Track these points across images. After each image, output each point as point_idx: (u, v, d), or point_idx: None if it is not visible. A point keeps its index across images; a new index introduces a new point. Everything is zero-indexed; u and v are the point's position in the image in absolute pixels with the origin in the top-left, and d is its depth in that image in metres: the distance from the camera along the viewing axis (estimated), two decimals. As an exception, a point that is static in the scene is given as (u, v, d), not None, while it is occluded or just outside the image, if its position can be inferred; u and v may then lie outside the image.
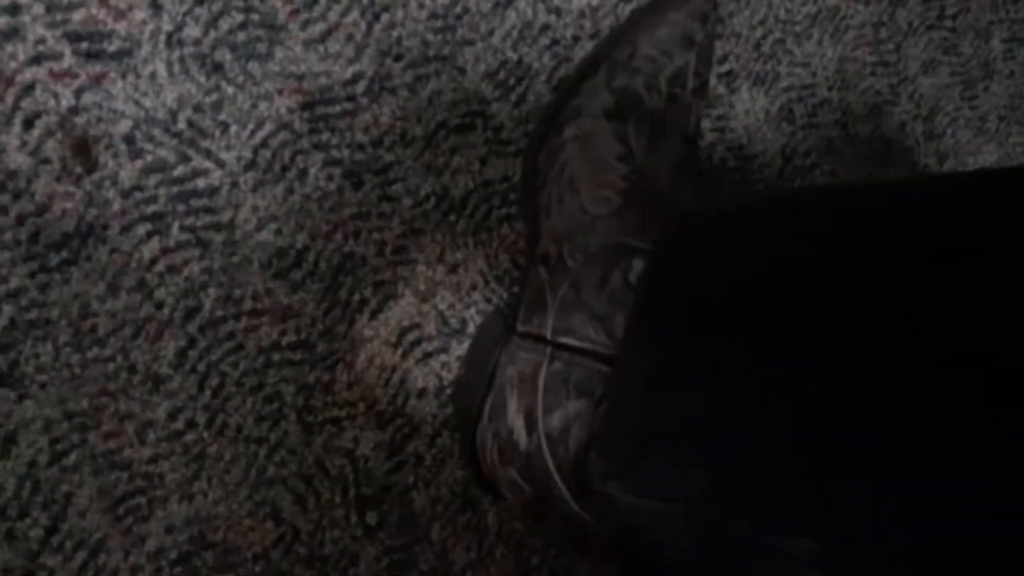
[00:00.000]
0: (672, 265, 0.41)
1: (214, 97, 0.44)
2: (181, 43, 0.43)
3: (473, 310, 0.52)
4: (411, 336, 0.51)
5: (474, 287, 0.52)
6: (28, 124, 0.40)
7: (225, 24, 0.44)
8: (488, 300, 0.52)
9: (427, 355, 0.51)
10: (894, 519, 0.30)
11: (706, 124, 0.59)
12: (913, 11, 0.67)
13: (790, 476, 0.33)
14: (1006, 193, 0.32)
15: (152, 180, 0.43)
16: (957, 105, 0.71)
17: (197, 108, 0.44)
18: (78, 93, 0.41)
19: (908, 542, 0.29)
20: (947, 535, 0.28)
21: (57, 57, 0.41)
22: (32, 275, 0.41)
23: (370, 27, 0.47)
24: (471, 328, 0.52)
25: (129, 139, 0.42)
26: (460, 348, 0.52)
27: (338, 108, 0.47)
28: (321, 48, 0.46)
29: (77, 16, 0.41)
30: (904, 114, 0.68)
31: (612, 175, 0.45)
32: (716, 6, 0.50)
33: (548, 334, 0.44)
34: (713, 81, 0.59)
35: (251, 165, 0.45)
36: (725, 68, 0.59)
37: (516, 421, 0.44)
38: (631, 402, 0.39)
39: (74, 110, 0.41)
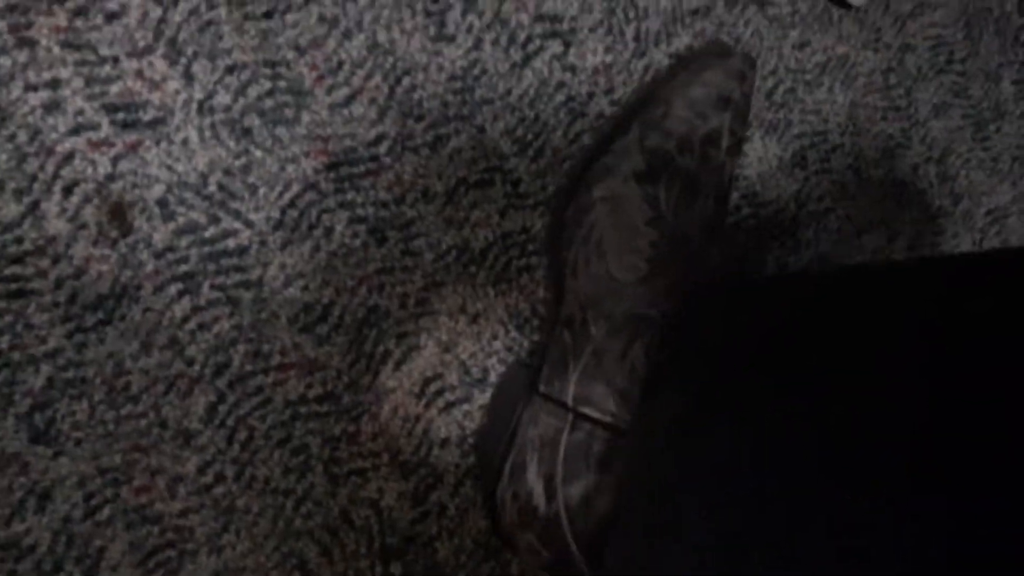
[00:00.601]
0: (690, 331, 0.41)
1: (243, 161, 0.46)
2: (212, 110, 0.45)
3: (495, 359, 0.53)
4: (434, 386, 0.51)
5: (495, 336, 0.53)
6: (67, 191, 0.42)
7: (254, 91, 0.45)
8: (509, 349, 0.53)
9: (450, 405, 0.52)
10: (918, 537, 0.29)
11: (720, 172, 0.60)
12: (922, 56, 0.68)
13: (815, 500, 0.33)
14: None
15: (184, 241, 0.45)
16: (970, 147, 0.72)
17: (227, 172, 0.45)
18: (115, 161, 0.43)
19: (933, 560, 0.29)
20: (972, 554, 0.28)
21: (95, 127, 0.42)
22: (69, 335, 0.43)
23: (392, 90, 0.49)
24: (493, 377, 0.53)
25: (162, 203, 0.44)
26: (482, 397, 0.53)
27: (362, 168, 0.48)
28: (345, 111, 0.48)
29: (114, 88, 0.43)
30: (917, 157, 0.69)
31: (641, 241, 0.44)
32: (754, 65, 0.49)
33: (569, 401, 0.44)
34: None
35: (279, 225, 0.47)
36: (737, 117, 0.60)
37: (536, 486, 0.43)
38: (645, 484, 0.39)
39: (111, 177, 0.43)
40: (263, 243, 0.46)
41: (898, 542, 0.29)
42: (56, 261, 0.42)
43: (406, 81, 0.49)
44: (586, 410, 0.43)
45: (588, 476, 0.41)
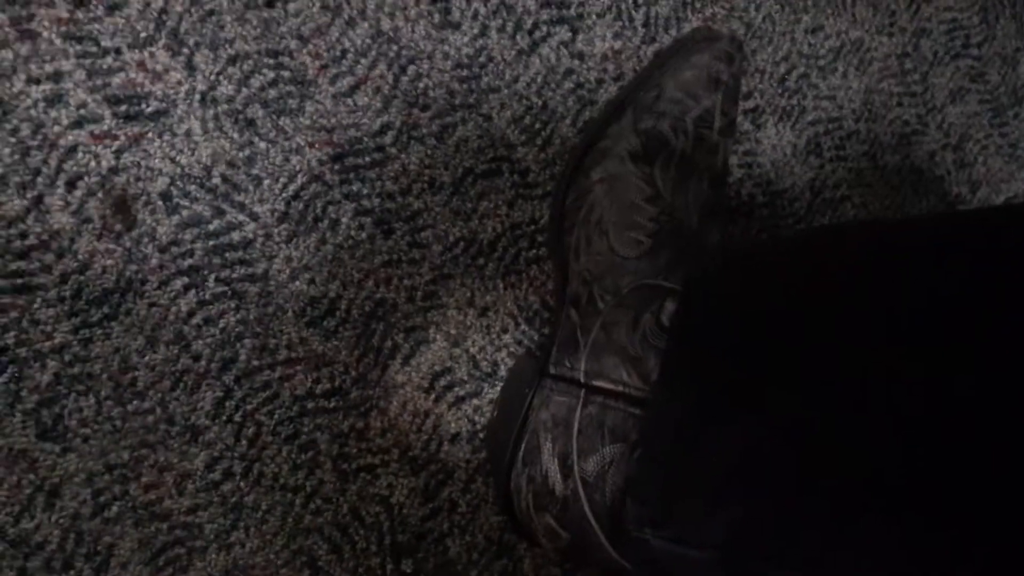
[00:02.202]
0: (702, 305, 0.41)
1: (247, 152, 0.45)
2: (215, 101, 0.44)
3: (504, 353, 0.52)
4: (443, 381, 0.51)
5: (505, 330, 0.52)
6: (71, 185, 0.42)
7: (257, 81, 0.45)
8: (519, 342, 0.53)
9: (459, 399, 0.51)
10: (915, 557, 0.29)
11: (733, 160, 0.59)
12: (938, 41, 0.67)
13: (815, 515, 0.33)
14: None
15: (188, 235, 0.44)
16: (987, 133, 0.70)
17: (231, 163, 0.45)
18: (118, 154, 0.43)
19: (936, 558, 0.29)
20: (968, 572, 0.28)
21: (98, 120, 0.42)
22: (75, 331, 0.42)
23: (397, 79, 0.48)
24: (503, 371, 0.52)
25: (166, 196, 0.44)
26: (492, 391, 0.52)
27: (368, 159, 0.48)
28: (350, 101, 0.47)
29: (116, 80, 0.42)
30: (933, 143, 0.68)
31: (641, 217, 0.45)
32: (741, 46, 0.50)
33: (581, 377, 0.44)
34: (739, 117, 0.59)
35: (284, 217, 0.46)
36: (751, 104, 0.59)
37: (551, 466, 0.43)
38: (665, 447, 0.39)
39: (114, 170, 0.43)
40: (268, 236, 0.46)
41: (896, 564, 0.30)
42: (61, 256, 0.42)
43: (411, 70, 0.48)
44: (598, 382, 0.43)
45: (603, 449, 0.41)
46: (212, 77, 0.44)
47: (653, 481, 0.39)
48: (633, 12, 0.53)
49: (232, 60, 0.44)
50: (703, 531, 0.36)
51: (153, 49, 0.43)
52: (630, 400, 0.41)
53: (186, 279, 0.44)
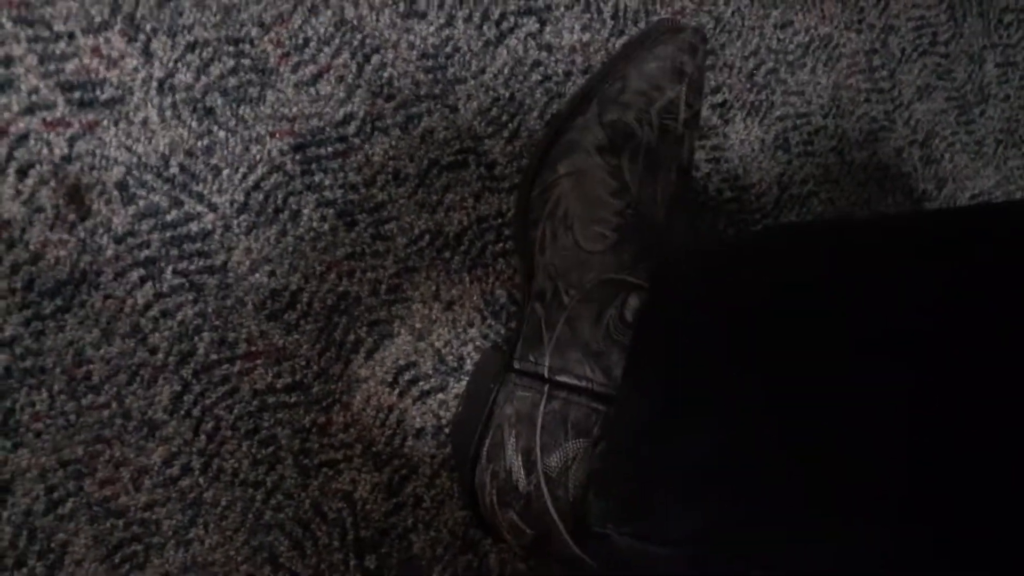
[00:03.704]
0: (668, 301, 0.41)
1: (206, 141, 0.44)
2: (173, 89, 0.43)
3: (470, 347, 0.52)
4: (408, 375, 0.50)
5: (471, 323, 0.52)
6: (22, 174, 0.41)
7: (216, 69, 0.44)
8: (485, 336, 0.52)
9: (424, 394, 0.51)
10: (904, 565, 0.29)
11: (701, 155, 0.59)
12: (905, 38, 0.67)
13: (798, 522, 0.33)
14: (1011, 223, 0.32)
15: (145, 225, 0.43)
16: (954, 130, 0.71)
17: (189, 153, 0.44)
18: (71, 142, 0.41)
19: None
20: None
21: (50, 107, 0.41)
22: (27, 323, 0.41)
23: (360, 68, 0.47)
24: (468, 365, 0.52)
25: (122, 185, 0.43)
26: (458, 386, 0.51)
27: (330, 149, 0.47)
28: (312, 90, 0.46)
29: (70, 66, 0.41)
30: (900, 140, 0.68)
31: (606, 211, 0.45)
32: (705, 38, 0.50)
33: (545, 372, 0.43)
34: (707, 112, 0.59)
35: (244, 208, 0.45)
36: (719, 99, 0.59)
37: (514, 461, 0.43)
38: (629, 443, 0.39)
39: (67, 158, 0.41)
40: (227, 227, 0.45)
41: (885, 569, 0.30)
42: (12, 246, 0.41)
43: (375, 59, 0.47)
44: (562, 378, 0.42)
45: (566, 444, 0.41)
46: (170, 64, 0.43)
47: (617, 477, 0.39)
48: (602, 4, 0.53)
49: (191, 47, 0.43)
50: (668, 528, 0.36)
51: (108, 34, 0.42)
52: (593, 395, 0.41)
53: (142, 271, 0.43)
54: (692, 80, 0.48)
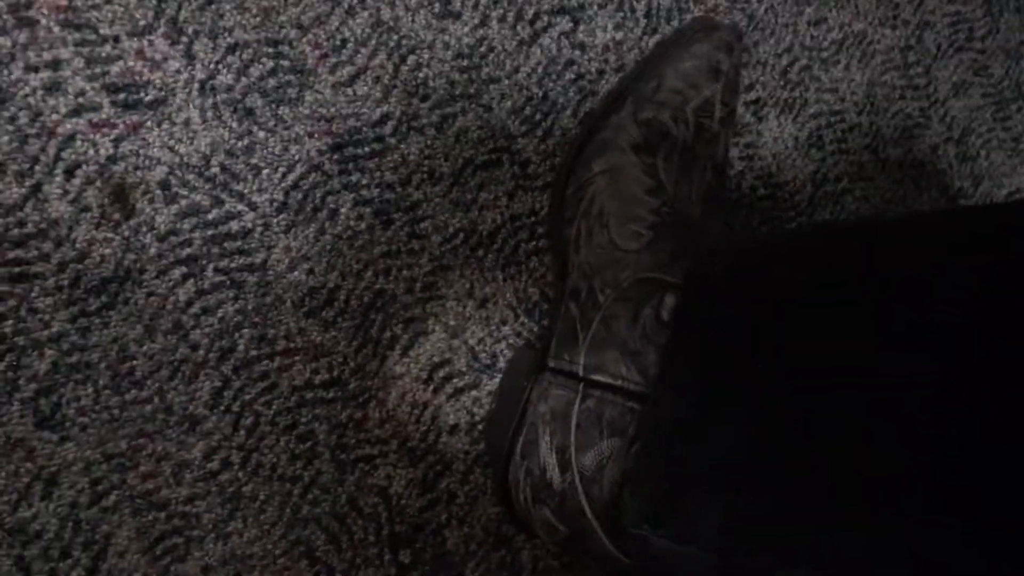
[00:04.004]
0: (703, 300, 0.41)
1: (246, 141, 0.45)
2: (214, 90, 0.44)
3: (503, 344, 0.52)
4: (442, 372, 0.51)
5: (504, 321, 0.52)
6: (69, 174, 0.42)
7: (256, 71, 0.45)
8: (518, 334, 0.52)
9: (458, 391, 0.51)
10: (931, 557, 0.29)
11: (735, 153, 0.58)
12: (941, 34, 0.67)
13: (823, 514, 0.33)
14: None
15: (187, 224, 0.44)
16: (990, 127, 0.70)
17: (230, 153, 0.45)
18: (116, 142, 0.42)
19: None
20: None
21: (96, 108, 0.42)
22: (73, 320, 0.42)
23: (397, 69, 0.48)
24: (502, 363, 0.52)
25: (165, 185, 0.43)
26: (491, 383, 0.52)
27: (367, 149, 0.47)
28: (349, 91, 0.47)
29: (115, 68, 0.42)
30: (936, 137, 0.67)
31: (642, 209, 0.44)
32: (741, 36, 0.49)
33: (580, 371, 0.43)
34: (741, 109, 0.58)
35: (283, 207, 0.46)
36: (753, 96, 0.59)
37: (549, 459, 0.43)
38: (664, 443, 0.39)
39: (112, 159, 0.42)
40: (267, 226, 0.46)
41: (911, 561, 0.29)
42: (59, 244, 0.42)
43: (411, 59, 0.48)
44: (597, 376, 0.42)
45: (601, 443, 0.41)
46: (211, 66, 0.44)
47: (652, 476, 0.39)
48: (635, 2, 0.53)
49: (231, 49, 0.44)
50: (702, 528, 0.36)
51: (152, 37, 0.43)
52: (629, 395, 0.41)
53: (184, 268, 0.44)
54: (728, 78, 0.48)
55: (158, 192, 0.43)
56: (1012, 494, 0.27)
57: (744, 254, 0.44)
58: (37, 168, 0.41)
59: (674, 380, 0.40)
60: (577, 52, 0.52)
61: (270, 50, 0.45)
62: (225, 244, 0.45)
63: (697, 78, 0.47)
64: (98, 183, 0.42)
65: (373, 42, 0.47)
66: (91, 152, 0.42)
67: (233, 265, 0.45)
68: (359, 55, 0.47)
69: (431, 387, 0.50)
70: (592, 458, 0.41)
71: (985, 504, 0.28)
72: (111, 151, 0.42)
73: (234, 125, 0.45)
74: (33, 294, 0.41)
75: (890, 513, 0.30)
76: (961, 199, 0.70)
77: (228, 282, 0.45)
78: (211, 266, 0.45)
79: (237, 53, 0.44)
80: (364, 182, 0.48)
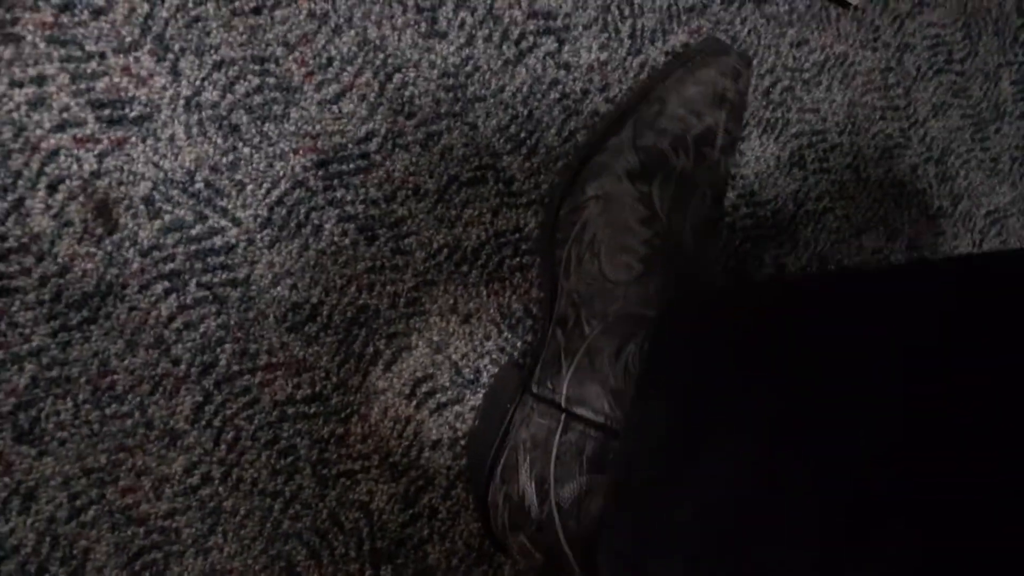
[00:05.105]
0: (668, 342, 0.40)
1: (231, 157, 0.45)
2: (199, 107, 0.44)
3: (487, 360, 0.52)
4: (425, 387, 0.51)
5: (487, 337, 0.52)
6: (52, 188, 0.42)
7: (242, 88, 0.45)
8: (502, 350, 0.53)
9: (441, 406, 0.51)
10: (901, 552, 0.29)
11: (716, 172, 0.59)
12: (921, 56, 0.68)
13: (807, 506, 0.32)
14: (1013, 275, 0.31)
15: (170, 239, 0.44)
16: (969, 147, 0.71)
17: (214, 168, 0.45)
18: (100, 157, 0.42)
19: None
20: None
21: (80, 124, 0.42)
22: (54, 334, 0.42)
23: (383, 87, 0.48)
24: (485, 378, 0.52)
25: (148, 200, 0.44)
26: (474, 399, 0.52)
27: (352, 165, 0.48)
28: (335, 108, 0.47)
29: (100, 84, 0.42)
30: (916, 157, 0.68)
31: (634, 240, 0.44)
32: (750, 63, 0.48)
33: (562, 401, 0.43)
34: (722, 129, 0.59)
35: (267, 223, 0.46)
36: (734, 116, 0.60)
37: (528, 487, 0.43)
38: (633, 494, 0.38)
39: (96, 174, 0.42)
40: (250, 241, 0.46)
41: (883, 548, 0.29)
42: (41, 259, 0.42)
43: (397, 78, 0.48)
44: (579, 410, 0.42)
45: (580, 477, 0.41)
46: (197, 83, 0.44)
47: (624, 531, 0.38)
48: (619, 24, 0.54)
49: (217, 66, 0.44)
50: None
51: (138, 54, 0.43)
52: (610, 433, 0.41)
53: (167, 283, 0.44)
54: (734, 107, 0.47)
55: (142, 207, 0.43)
56: (1012, 513, 0.27)
57: (707, 297, 0.43)
58: (20, 183, 0.41)
59: (640, 425, 0.39)
60: (562, 72, 0.53)
61: (256, 67, 0.45)
62: (208, 259, 0.45)
63: (700, 105, 0.46)
64: (81, 198, 0.42)
65: (359, 60, 0.47)
66: (75, 167, 0.42)
67: (216, 280, 0.45)
68: (345, 73, 0.47)
69: (414, 402, 0.51)
70: (570, 491, 0.41)
71: (973, 522, 0.28)
72: (95, 166, 0.42)
73: (219, 141, 0.45)
74: (14, 308, 0.41)
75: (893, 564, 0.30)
76: (941, 218, 0.71)
77: (211, 297, 0.45)
78: (194, 281, 0.45)
79: (223, 70, 0.44)
80: (349, 198, 0.48)
